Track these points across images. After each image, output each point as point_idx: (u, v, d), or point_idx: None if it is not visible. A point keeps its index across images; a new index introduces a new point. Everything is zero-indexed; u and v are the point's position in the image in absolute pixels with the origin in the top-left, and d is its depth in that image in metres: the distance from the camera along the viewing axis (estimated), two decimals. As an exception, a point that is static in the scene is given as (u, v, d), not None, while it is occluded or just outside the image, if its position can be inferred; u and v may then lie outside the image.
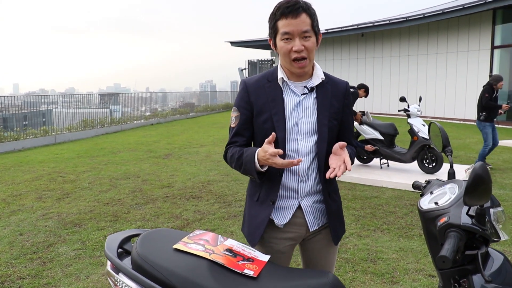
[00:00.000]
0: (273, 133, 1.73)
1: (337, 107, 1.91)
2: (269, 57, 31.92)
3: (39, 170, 8.50)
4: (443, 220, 1.45)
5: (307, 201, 1.91)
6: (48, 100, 19.28)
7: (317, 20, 1.84)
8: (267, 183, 1.91)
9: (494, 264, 1.49)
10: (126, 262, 1.65)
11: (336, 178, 1.79)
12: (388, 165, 8.20)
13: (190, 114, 24.25)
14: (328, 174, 1.74)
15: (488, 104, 8.15)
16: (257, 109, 1.90)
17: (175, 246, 1.63)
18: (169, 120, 20.84)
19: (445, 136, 1.87)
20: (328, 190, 1.94)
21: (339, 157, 1.78)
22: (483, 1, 16.73)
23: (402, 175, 7.43)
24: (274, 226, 1.93)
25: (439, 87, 20.36)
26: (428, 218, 1.56)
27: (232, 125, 1.96)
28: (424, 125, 7.56)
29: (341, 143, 1.79)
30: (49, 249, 4.43)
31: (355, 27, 23.17)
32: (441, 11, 18.43)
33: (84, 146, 12.23)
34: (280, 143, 1.85)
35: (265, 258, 1.67)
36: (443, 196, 1.60)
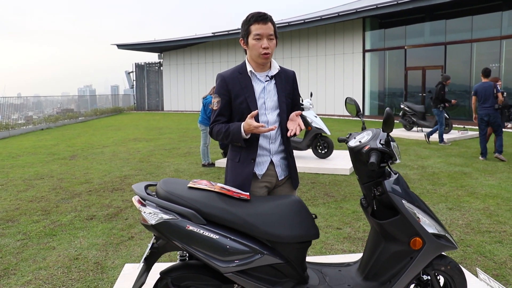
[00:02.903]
0: (256, 111, 2.43)
1: (289, 89, 2.69)
2: (157, 60, 31.98)
3: None
4: (367, 147, 2.33)
5: (276, 157, 2.64)
6: None
7: (276, 29, 2.60)
8: (247, 147, 2.58)
9: (393, 177, 2.41)
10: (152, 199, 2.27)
11: (295, 136, 2.55)
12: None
13: (80, 118, 23.63)
14: (288, 134, 2.49)
15: (444, 98, 11.12)
16: (234, 94, 2.57)
17: (189, 185, 2.29)
18: (59, 124, 20.17)
19: (357, 105, 2.75)
20: (289, 150, 2.70)
21: (295, 121, 2.53)
22: (354, 10, 18.93)
23: (300, 160, 8.51)
24: (254, 178, 2.60)
25: (320, 86, 22.40)
26: (356, 150, 2.42)
27: (215, 108, 2.60)
28: (316, 116, 8.73)
29: (297, 112, 2.55)
30: (-10, 243, 4.60)
31: (239, 31, 24.40)
32: (319, 18, 20.39)
33: (-25, 152, 11.63)
34: (254, 116, 2.51)
35: (246, 193, 2.39)
36: (363, 138, 2.48)
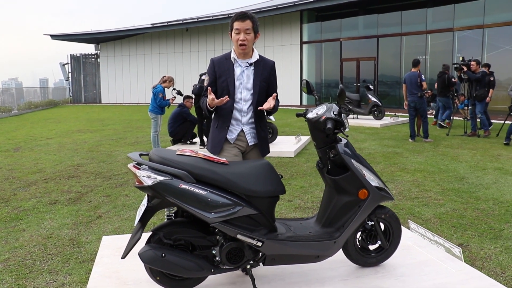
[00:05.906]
0: (225, 97, 2.99)
1: (266, 75, 3.24)
2: (93, 51, 31.22)
3: None
4: (324, 117, 2.84)
5: (246, 127, 3.22)
6: None
7: (257, 25, 3.14)
8: (223, 117, 3.17)
9: (344, 141, 2.95)
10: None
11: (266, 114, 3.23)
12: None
13: (13, 112, 22.80)
14: (260, 107, 3.08)
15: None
16: (218, 74, 3.18)
17: (177, 153, 2.69)
18: (-9, 118, 19.41)
19: (311, 85, 3.26)
20: (259, 123, 3.25)
21: (268, 101, 3.09)
22: (292, 4, 19.66)
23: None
24: (228, 142, 3.21)
25: (260, 77, 23.00)
26: (314, 121, 2.92)
27: (205, 84, 3.22)
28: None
29: (274, 94, 3.11)
30: (-45, 228, 4.70)
31: (180, 22, 24.48)
32: (258, 10, 20.94)
33: None
34: (231, 93, 3.13)
35: (224, 159, 2.83)
36: (319, 110, 2.98)
